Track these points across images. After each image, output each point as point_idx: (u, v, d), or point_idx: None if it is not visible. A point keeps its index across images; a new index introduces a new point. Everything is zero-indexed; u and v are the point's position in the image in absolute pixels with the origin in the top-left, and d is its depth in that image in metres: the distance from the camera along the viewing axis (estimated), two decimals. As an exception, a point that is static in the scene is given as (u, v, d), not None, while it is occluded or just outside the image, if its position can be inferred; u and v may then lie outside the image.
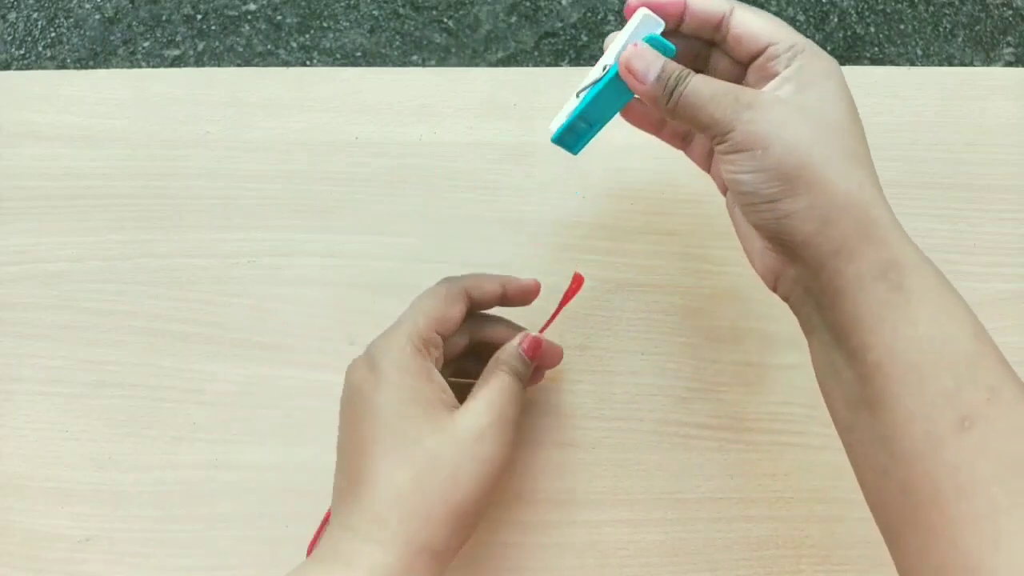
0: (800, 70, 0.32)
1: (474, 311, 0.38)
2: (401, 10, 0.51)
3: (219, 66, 0.50)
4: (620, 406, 0.43)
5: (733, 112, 0.30)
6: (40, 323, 0.44)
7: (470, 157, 0.47)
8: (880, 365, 0.28)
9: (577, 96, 0.36)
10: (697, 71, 0.32)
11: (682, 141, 0.39)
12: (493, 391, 0.35)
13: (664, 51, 0.33)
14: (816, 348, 0.32)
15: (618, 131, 0.47)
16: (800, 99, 0.31)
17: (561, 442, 0.42)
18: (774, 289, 0.34)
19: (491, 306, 0.39)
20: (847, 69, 0.48)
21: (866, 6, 0.54)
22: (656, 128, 0.39)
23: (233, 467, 0.42)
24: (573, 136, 0.38)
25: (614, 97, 0.35)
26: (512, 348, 0.37)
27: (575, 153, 0.39)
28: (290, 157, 0.47)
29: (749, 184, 0.30)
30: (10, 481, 0.42)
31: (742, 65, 0.34)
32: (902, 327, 0.28)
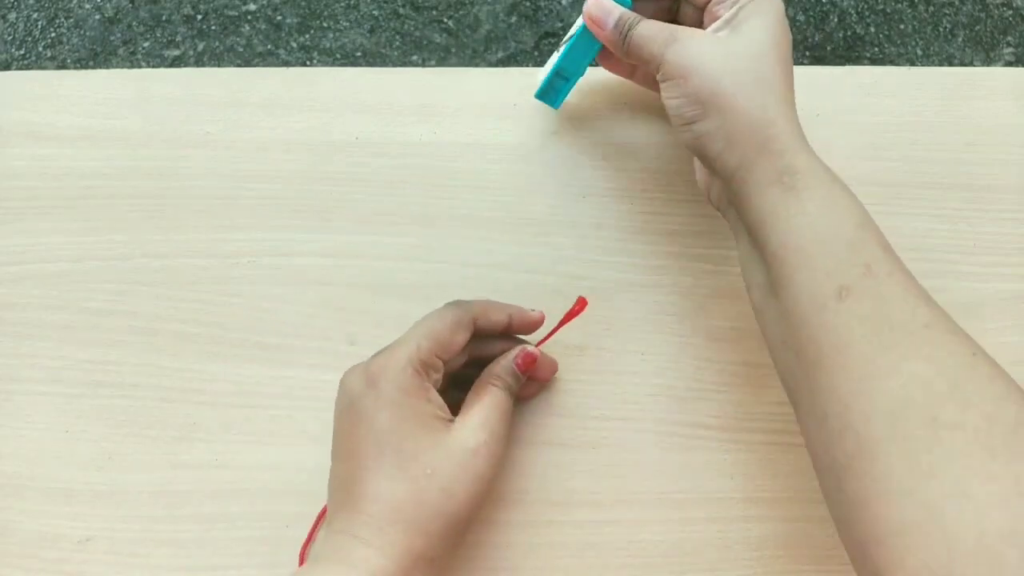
0: (738, 11, 0.37)
1: (477, 336, 0.39)
2: (401, 10, 0.51)
3: (219, 66, 0.50)
4: (620, 406, 0.43)
5: (663, 47, 0.37)
6: (40, 323, 0.44)
7: (470, 157, 0.47)
8: (777, 253, 0.33)
9: (555, 54, 0.43)
10: (672, 21, 0.39)
11: (653, 83, 0.41)
12: (486, 408, 0.37)
13: (621, 2, 0.39)
14: (740, 247, 0.37)
15: (618, 131, 0.47)
16: (727, 35, 0.36)
17: (561, 442, 0.42)
18: (709, 201, 0.40)
19: (494, 334, 0.40)
20: (847, 69, 0.49)
21: (866, 6, 0.54)
22: (629, 73, 0.45)
23: (233, 467, 0.42)
24: (553, 91, 0.44)
25: (586, 48, 0.42)
26: (507, 362, 0.39)
27: (556, 107, 0.45)
28: (290, 157, 0.47)
29: (675, 108, 0.37)
30: (10, 481, 0.42)
31: (700, 10, 0.39)
32: (794, 220, 0.33)
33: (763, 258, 0.35)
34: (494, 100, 0.48)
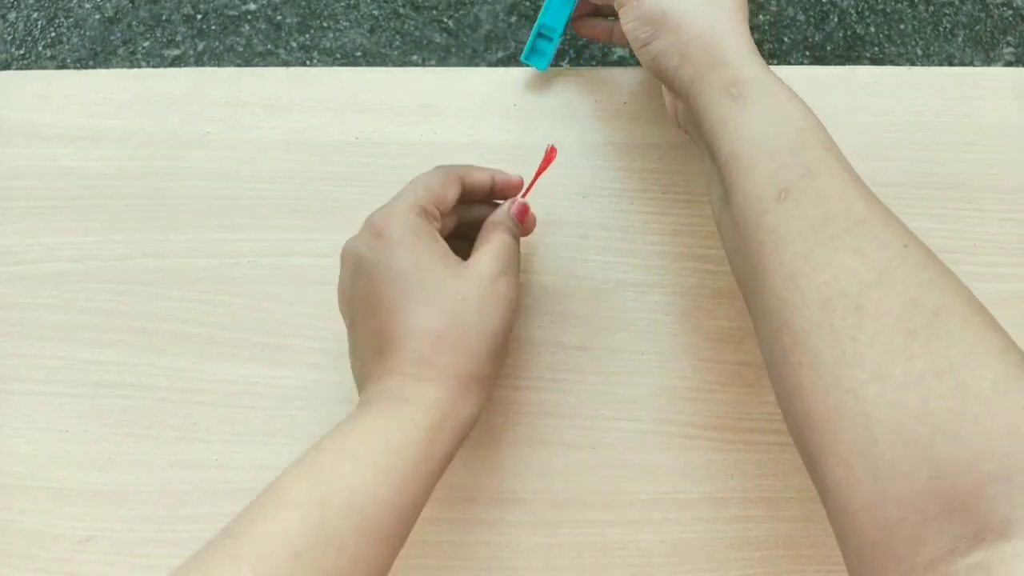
0: None
1: (463, 199, 0.40)
2: (401, 10, 0.51)
3: (219, 66, 0.50)
4: (620, 406, 0.43)
5: None
6: (40, 323, 0.44)
7: (470, 157, 0.47)
8: (727, 163, 0.34)
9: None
10: None
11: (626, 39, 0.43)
12: (495, 246, 0.37)
13: None
14: (704, 164, 0.39)
15: (618, 131, 0.47)
16: None
17: (561, 442, 0.42)
18: (678, 124, 0.41)
19: (479, 196, 0.41)
20: (847, 69, 0.49)
21: (866, 6, 0.54)
22: (607, 36, 0.46)
23: (233, 467, 0.42)
24: (537, 53, 0.46)
25: (562, 2, 0.44)
26: (503, 212, 0.40)
27: (543, 69, 0.46)
28: (290, 157, 0.47)
29: (632, 32, 0.38)
30: (10, 481, 0.42)
31: None
32: (741, 128, 0.34)
33: (717, 168, 0.36)
34: (494, 100, 0.48)
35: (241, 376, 0.44)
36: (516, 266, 0.38)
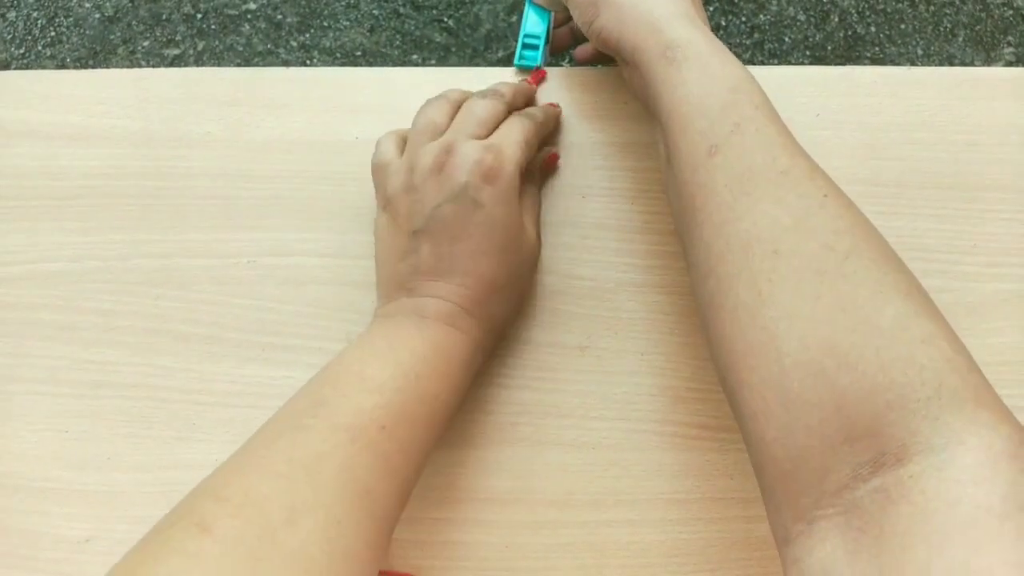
0: None
1: None
2: (401, 9, 0.51)
3: (219, 65, 0.50)
4: (620, 406, 0.43)
5: None
6: (40, 323, 0.44)
7: (470, 157, 0.47)
8: (666, 122, 0.37)
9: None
10: None
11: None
12: (532, 207, 0.43)
13: None
14: (653, 130, 0.41)
15: (619, 131, 0.47)
16: None
17: (561, 442, 0.42)
18: (634, 94, 0.43)
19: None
20: (847, 69, 0.49)
21: (867, 6, 0.54)
22: (598, 59, 0.49)
23: (233, 467, 0.42)
24: (526, 60, 0.47)
25: (539, 12, 0.47)
26: (536, 163, 0.44)
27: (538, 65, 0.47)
28: (290, 157, 0.47)
29: (578, 16, 0.42)
30: (10, 481, 0.42)
31: None
32: (676, 91, 0.36)
33: (659, 131, 0.39)
34: (494, 100, 0.48)
35: (241, 376, 0.44)
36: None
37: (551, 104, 0.47)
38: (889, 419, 0.26)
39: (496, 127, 0.41)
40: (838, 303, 0.29)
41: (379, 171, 0.42)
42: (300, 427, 0.32)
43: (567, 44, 0.49)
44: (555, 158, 0.46)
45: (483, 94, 0.42)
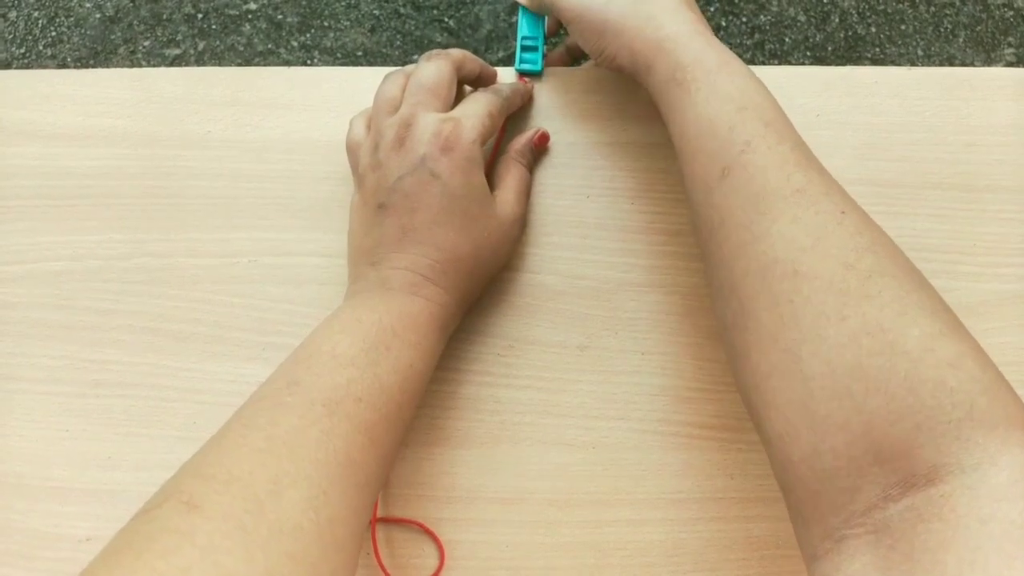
0: None
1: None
2: (402, 9, 0.51)
3: (220, 65, 0.50)
4: (620, 406, 0.43)
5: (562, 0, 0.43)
6: (40, 323, 0.44)
7: (470, 157, 0.47)
8: (678, 145, 0.37)
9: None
10: None
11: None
12: (516, 182, 0.44)
13: None
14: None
15: (619, 131, 0.47)
16: None
17: (561, 442, 0.42)
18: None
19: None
20: (847, 69, 0.49)
21: (867, 6, 0.54)
22: (570, 62, 0.51)
23: (233, 467, 0.42)
24: (528, 62, 0.47)
25: (533, 17, 0.47)
26: (526, 141, 0.45)
27: (538, 71, 0.47)
28: (290, 157, 0.47)
29: (585, 45, 0.42)
30: (10, 481, 0.42)
31: None
32: (687, 112, 0.36)
33: (676, 153, 0.39)
34: (494, 100, 0.48)
35: (241, 376, 0.44)
36: (528, 200, 0.45)
37: (523, 79, 0.47)
38: (919, 441, 0.26)
39: (449, 89, 0.42)
40: (863, 326, 0.28)
41: (351, 152, 0.43)
42: (277, 405, 0.33)
43: (566, 64, 0.50)
44: (546, 137, 0.46)
45: (428, 56, 0.43)
